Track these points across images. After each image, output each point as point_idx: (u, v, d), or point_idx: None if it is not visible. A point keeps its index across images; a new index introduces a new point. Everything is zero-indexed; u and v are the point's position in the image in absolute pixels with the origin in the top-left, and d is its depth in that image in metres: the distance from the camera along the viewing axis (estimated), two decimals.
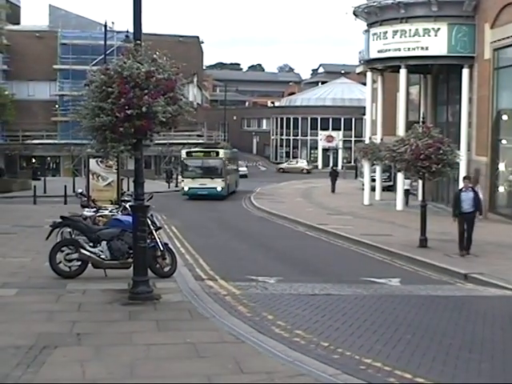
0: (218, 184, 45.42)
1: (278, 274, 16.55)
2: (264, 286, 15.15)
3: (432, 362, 9.26)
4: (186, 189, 45.92)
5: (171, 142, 69.76)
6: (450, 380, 8.36)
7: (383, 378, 8.34)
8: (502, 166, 32.84)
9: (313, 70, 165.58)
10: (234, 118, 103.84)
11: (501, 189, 32.55)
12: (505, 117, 32.90)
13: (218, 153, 47.01)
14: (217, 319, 11.07)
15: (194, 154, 47.62)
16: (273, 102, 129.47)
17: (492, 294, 15.27)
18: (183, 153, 48.39)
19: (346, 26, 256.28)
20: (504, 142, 32.92)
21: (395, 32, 35.89)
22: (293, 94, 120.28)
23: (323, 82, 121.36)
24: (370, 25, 38.26)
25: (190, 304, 12.23)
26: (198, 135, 76.45)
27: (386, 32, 36.44)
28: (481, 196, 21.48)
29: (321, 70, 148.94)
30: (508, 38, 31.05)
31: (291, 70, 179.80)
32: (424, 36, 34.79)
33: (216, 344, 9.48)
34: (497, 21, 32.08)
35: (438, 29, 34.40)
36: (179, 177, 68.43)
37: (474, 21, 34.34)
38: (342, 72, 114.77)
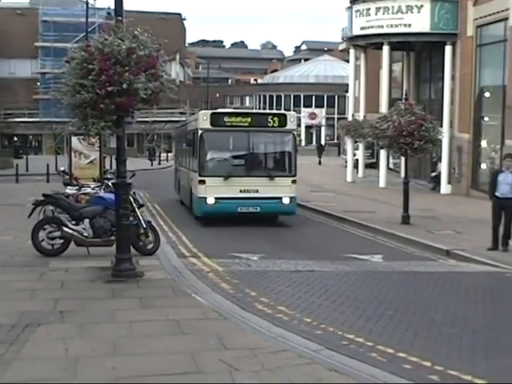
0: (283, 190, 21.97)
1: (261, 251, 16.58)
2: (247, 262, 15.18)
3: (414, 338, 9.32)
4: (208, 201, 21.56)
5: (154, 119, 69.55)
6: (432, 355, 8.41)
7: (365, 353, 8.38)
8: (484, 143, 32.93)
9: (296, 47, 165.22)
10: (217, 95, 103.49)
11: (483, 166, 32.65)
12: (487, 94, 32.95)
13: (284, 121, 22.32)
14: (200, 296, 11.07)
15: (229, 119, 22.21)
16: (256, 80, 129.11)
17: (474, 270, 15.36)
18: (203, 117, 22.04)
19: (329, 2, 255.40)
20: (486, 119, 33.00)
21: (378, 9, 35.74)
22: (276, 71, 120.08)
23: (306, 59, 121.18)
24: (353, 1, 38.07)
25: (173, 281, 12.24)
26: (181, 113, 76.14)
27: (369, 9, 36.28)
28: None
29: (304, 47, 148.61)
30: (491, 15, 31.03)
31: (274, 47, 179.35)
32: (407, 13, 34.66)
33: (199, 321, 9.49)
34: None
35: (421, 6, 34.28)
36: (164, 155, 68.19)
37: None
38: (325, 49, 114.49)
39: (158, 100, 12.44)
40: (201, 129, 21.80)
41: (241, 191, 21.62)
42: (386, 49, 36.60)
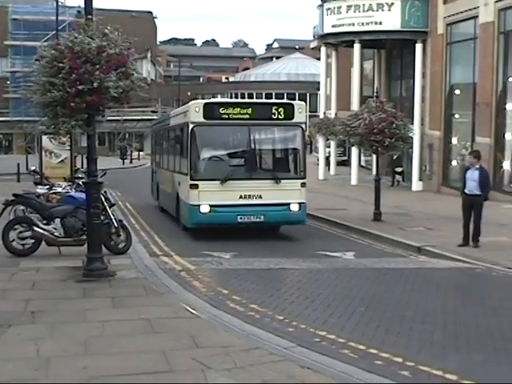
0: (291, 194, 18.77)
1: (233, 250, 16.58)
2: (219, 261, 15.18)
3: (385, 334, 9.36)
4: (202, 209, 18.30)
5: (125, 118, 69.28)
6: (403, 350, 8.46)
7: (337, 349, 8.42)
8: (454, 140, 33.20)
9: (267, 45, 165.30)
10: (189, 93, 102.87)
11: (454, 163, 32.90)
12: (457, 91, 33.22)
13: (291, 112, 18.92)
14: (172, 295, 11.07)
15: (226, 111, 18.63)
16: (227, 78, 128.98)
17: (444, 266, 15.46)
18: (195, 108, 18.59)
19: (301, 0, 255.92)
20: (457, 116, 33.28)
21: (349, 7, 35.86)
22: (247, 69, 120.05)
23: (278, 57, 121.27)
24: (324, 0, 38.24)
25: (145, 280, 12.20)
26: (153, 111, 75.99)
27: (340, 7, 36.39)
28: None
29: (275, 45, 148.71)
30: (460, 12, 31.28)
31: (246, 45, 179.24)
32: (378, 11, 34.83)
33: (171, 319, 9.47)
34: None
35: (392, 3, 34.46)
36: (136, 153, 67.90)
37: None
38: (297, 47, 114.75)
39: (129, 98, 12.40)
40: (192, 123, 18.35)
41: (241, 197, 18.31)
42: (357, 47, 36.75)
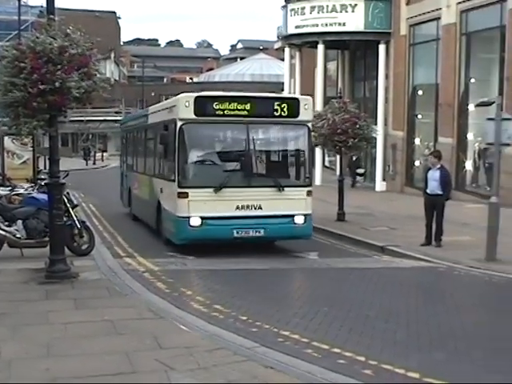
0: (296, 204, 16.49)
1: (197, 250, 16.52)
2: (183, 262, 15.16)
3: (348, 333, 9.41)
4: (192, 222, 15.83)
5: (88, 118, 68.87)
6: (366, 349, 8.50)
7: (301, 349, 8.43)
8: (417, 141, 33.48)
9: (231, 46, 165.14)
10: (153, 94, 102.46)
11: (417, 163, 33.17)
12: (420, 92, 33.54)
13: (296, 109, 16.64)
14: (135, 296, 11.02)
15: (221, 106, 16.11)
16: (191, 78, 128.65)
17: (407, 266, 15.57)
18: (185, 102, 15.97)
19: (265, 1, 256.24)
20: (420, 116, 33.59)
21: (313, 8, 36.00)
22: (211, 69, 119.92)
23: (242, 58, 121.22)
24: (288, 0, 38.33)
25: (108, 281, 12.13)
26: (116, 112, 75.63)
27: (304, 8, 36.53)
28: None
29: (239, 45, 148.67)
30: (423, 14, 31.59)
31: (210, 45, 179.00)
32: (341, 12, 35.02)
33: (134, 321, 9.44)
34: None
35: (355, 5, 34.67)
36: (99, 154, 67.46)
37: None
38: (261, 48, 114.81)
39: (92, 99, 12.34)
40: (181, 119, 15.92)
41: (238, 208, 15.97)
42: (320, 47, 36.90)
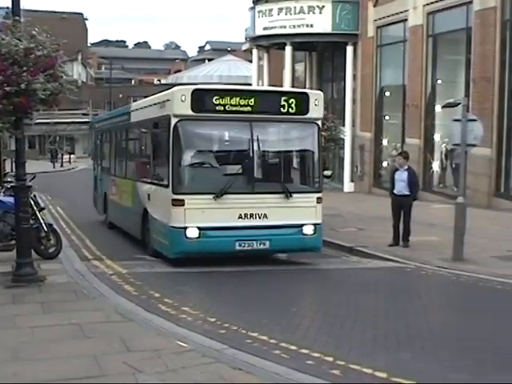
0: (305, 213, 15.08)
1: None
2: (151, 264, 15.09)
3: (316, 334, 9.44)
4: (189, 233, 14.19)
5: (55, 121, 68.39)
6: (334, 350, 8.54)
7: (269, 350, 8.44)
8: (385, 142, 33.69)
9: (200, 48, 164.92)
10: (120, 95, 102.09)
11: (384, 164, 33.37)
12: (387, 93, 33.76)
13: (305, 105, 15.07)
14: (103, 299, 10.97)
15: (222, 101, 14.43)
16: (159, 80, 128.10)
17: (375, 266, 15.66)
18: (181, 96, 14.25)
19: (233, 2, 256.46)
20: (387, 117, 33.80)
21: (280, 9, 36.08)
22: (179, 71, 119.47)
23: (210, 60, 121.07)
24: (256, 2, 38.41)
25: (76, 285, 12.05)
26: (84, 114, 75.23)
27: (272, 9, 36.60)
28: None
29: (207, 47, 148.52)
30: (390, 15, 31.83)
31: (178, 47, 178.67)
32: (309, 13, 35.14)
33: (102, 324, 9.39)
34: None
35: (323, 6, 34.80)
36: (67, 157, 66.89)
37: None
38: (229, 49, 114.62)
39: (58, 101, 12.27)
40: (175, 116, 14.22)
41: (240, 217, 14.33)
42: (288, 49, 36.97)
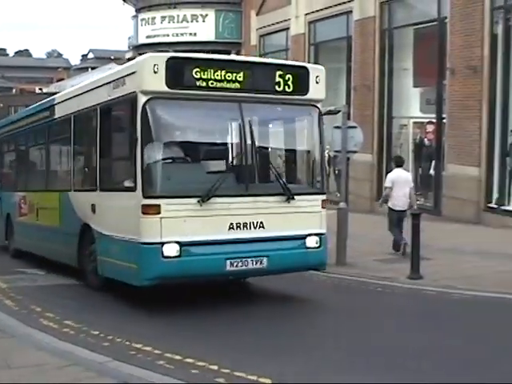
0: (308, 220, 11.60)
1: (48, 266, 16.07)
2: (33, 278, 14.80)
3: (201, 343, 9.39)
4: (166, 251, 10.47)
5: None
6: (217, 358, 8.51)
7: (153, 361, 8.36)
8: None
9: (83, 56, 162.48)
10: (1, 105, 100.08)
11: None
12: None
13: (305, 82, 11.93)
14: None
15: (204, 74, 10.86)
16: (41, 89, 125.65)
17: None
18: (153, 66, 10.52)
19: (116, 10, 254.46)
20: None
21: (163, 18, 36.11)
22: (62, 80, 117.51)
23: (93, 68, 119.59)
24: (139, 10, 38.25)
25: None
26: None
27: (155, 18, 36.58)
28: None
29: (90, 55, 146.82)
30: (273, 24, 32.22)
31: (60, 55, 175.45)
32: (192, 22, 35.31)
33: None
34: (262, 8, 33.21)
35: (206, 15, 35.04)
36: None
37: (241, 7, 35.32)
38: (112, 58, 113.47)
39: None
40: (145, 93, 10.72)
41: (231, 227, 11.04)
42: None
